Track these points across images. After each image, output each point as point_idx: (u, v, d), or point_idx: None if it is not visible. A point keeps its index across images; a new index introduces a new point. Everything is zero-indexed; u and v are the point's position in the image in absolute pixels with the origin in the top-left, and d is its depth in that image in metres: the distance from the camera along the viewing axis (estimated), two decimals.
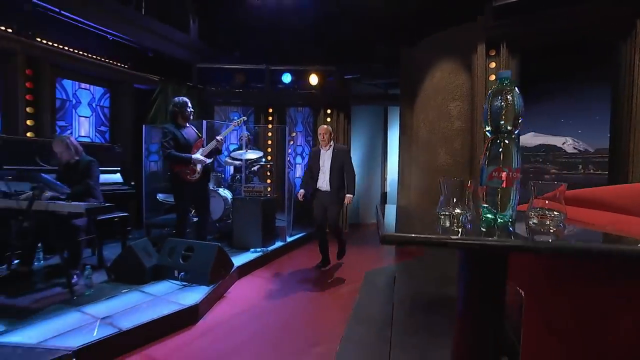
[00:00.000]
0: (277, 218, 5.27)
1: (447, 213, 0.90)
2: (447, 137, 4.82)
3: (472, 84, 4.50)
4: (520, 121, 0.91)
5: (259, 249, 4.43)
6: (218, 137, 3.81)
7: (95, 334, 2.18)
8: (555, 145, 4.62)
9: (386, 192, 7.95)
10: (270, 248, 4.62)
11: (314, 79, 6.69)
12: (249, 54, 7.29)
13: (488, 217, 0.90)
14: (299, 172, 7.17)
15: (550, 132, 4.65)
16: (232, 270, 3.57)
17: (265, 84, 6.94)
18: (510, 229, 0.88)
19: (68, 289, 2.82)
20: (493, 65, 4.36)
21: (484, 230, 0.87)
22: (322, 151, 4.19)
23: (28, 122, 4.48)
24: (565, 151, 4.43)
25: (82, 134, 5.34)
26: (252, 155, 5.38)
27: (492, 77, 4.36)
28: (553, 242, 0.77)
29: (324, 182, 4.10)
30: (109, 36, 5.48)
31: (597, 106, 4.08)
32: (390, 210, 1.27)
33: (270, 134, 6.97)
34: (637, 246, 0.73)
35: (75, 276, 3.05)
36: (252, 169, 5.60)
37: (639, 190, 1.25)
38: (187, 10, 6.98)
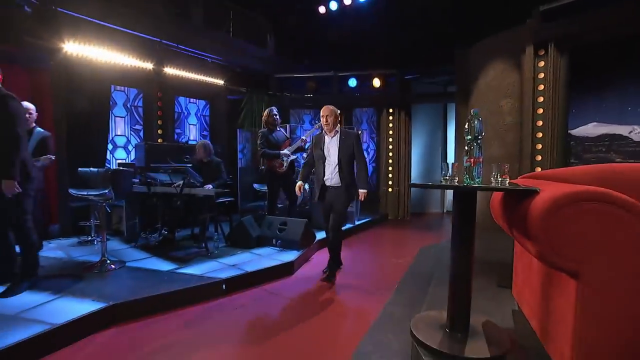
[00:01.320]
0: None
1: (447, 177, 1.72)
2: (499, 131, 5.33)
3: (521, 82, 4.97)
4: (480, 136, 1.70)
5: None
6: (302, 137, 4.83)
7: (225, 286, 3.27)
8: (622, 135, 4.73)
9: None
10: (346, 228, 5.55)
11: (376, 82, 7.48)
12: (317, 62, 8.31)
13: (465, 180, 1.71)
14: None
15: (615, 122, 4.84)
16: (314, 241, 4.56)
17: (333, 89, 7.89)
18: (471, 184, 1.68)
19: (205, 249, 4.02)
20: (542, 64, 4.80)
21: (461, 184, 1.69)
22: (326, 138, 3.54)
23: (159, 131, 5.94)
24: (632, 140, 4.50)
25: (191, 138, 6.76)
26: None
27: (541, 75, 4.80)
28: (477, 185, 1.57)
29: (331, 176, 3.47)
30: (208, 59, 6.82)
31: None
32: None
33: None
34: (505, 186, 1.50)
35: (204, 243, 4.26)
36: None
37: (582, 170, 1.90)
38: (265, 29, 8.18)
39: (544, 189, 1.41)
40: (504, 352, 1.58)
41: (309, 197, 5.94)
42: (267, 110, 4.91)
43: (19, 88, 5.13)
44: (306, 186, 6.11)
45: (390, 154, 7.57)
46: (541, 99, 4.80)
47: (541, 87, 4.80)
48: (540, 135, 4.85)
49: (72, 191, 3.81)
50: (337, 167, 3.43)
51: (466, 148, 1.76)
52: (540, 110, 4.83)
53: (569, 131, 4.88)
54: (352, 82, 7.69)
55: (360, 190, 3.50)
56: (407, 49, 7.51)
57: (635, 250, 1.16)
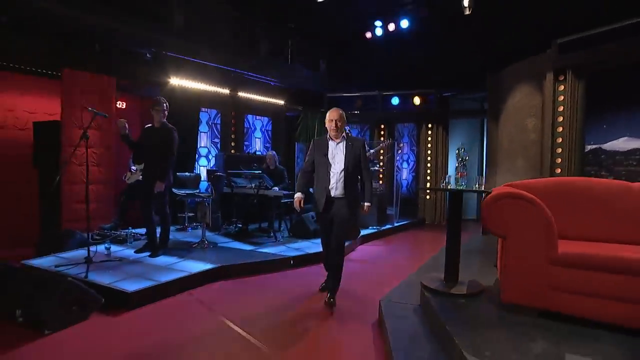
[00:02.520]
0: (388, 208, 7.14)
1: (446, 182, 2.70)
2: (524, 146, 6.04)
3: (542, 104, 5.68)
4: (465, 159, 2.69)
5: (374, 227, 6.38)
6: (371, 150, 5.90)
7: (292, 261, 4.38)
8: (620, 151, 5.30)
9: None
10: (382, 228, 6.52)
11: (417, 100, 8.40)
12: (364, 82, 9.37)
13: (458, 185, 2.69)
14: (405, 174, 8.91)
15: None
16: (359, 236, 5.59)
17: (377, 106, 8.90)
18: (459, 188, 2.64)
19: (273, 237, 5.20)
20: (562, 88, 5.49)
21: (454, 187, 2.66)
22: (330, 143, 3.22)
23: (232, 144, 7.31)
24: None
25: (257, 149, 8.09)
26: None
27: (561, 98, 5.49)
28: (455, 188, 2.53)
29: (335, 185, 3.13)
30: (271, 83, 8.14)
31: None
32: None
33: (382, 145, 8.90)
34: (472, 189, 2.43)
35: (273, 232, 5.45)
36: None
37: (543, 181, 2.75)
38: (317, 54, 9.41)
39: (494, 191, 2.35)
40: (476, 292, 2.52)
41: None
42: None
43: (135, 112, 6.76)
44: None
45: (429, 164, 8.40)
46: (560, 118, 5.49)
47: (561, 108, 5.49)
48: (559, 150, 5.53)
49: (175, 190, 5.18)
50: (343, 175, 3.12)
51: (457, 165, 2.73)
52: (560, 129, 5.51)
53: (600, 146, 5.44)
54: (395, 100, 8.66)
55: (366, 204, 3.25)
56: (444, 71, 8.35)
57: (530, 223, 2.09)
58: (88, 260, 3.44)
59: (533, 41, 5.94)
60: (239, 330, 2.62)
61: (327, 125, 3.22)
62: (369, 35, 9.02)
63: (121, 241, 4.67)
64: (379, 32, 8.86)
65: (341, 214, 3.10)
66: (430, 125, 8.48)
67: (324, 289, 3.44)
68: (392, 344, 2.18)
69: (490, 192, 2.35)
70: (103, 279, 3.12)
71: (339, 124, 3.15)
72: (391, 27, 8.67)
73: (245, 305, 3.15)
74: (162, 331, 2.60)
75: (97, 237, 4.77)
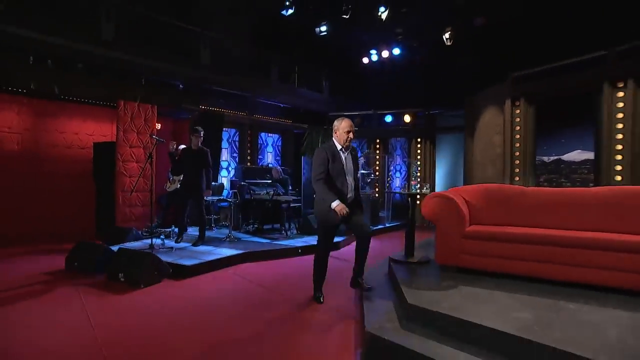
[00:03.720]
0: (380, 211, 8.37)
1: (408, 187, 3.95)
2: (492, 159, 7.26)
3: (504, 124, 6.91)
4: (417, 173, 3.95)
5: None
6: None
7: (300, 250, 5.61)
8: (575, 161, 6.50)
9: None
10: (375, 228, 7.74)
11: (407, 118, 9.65)
12: (363, 101, 10.68)
13: (411, 190, 3.94)
14: (398, 182, 10.15)
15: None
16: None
17: (373, 123, 10.19)
18: (413, 191, 3.89)
19: (284, 233, 6.45)
20: (518, 111, 6.73)
21: (409, 192, 3.91)
22: (341, 152, 3.36)
23: (248, 157, 8.62)
24: None
25: (269, 161, 9.40)
26: (364, 172, 8.62)
27: (518, 119, 6.72)
28: (407, 192, 3.77)
29: (350, 190, 3.41)
30: (280, 104, 9.49)
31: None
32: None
33: (378, 157, 10.17)
34: (416, 192, 3.68)
35: (284, 230, 6.70)
36: (367, 180, 8.83)
37: (472, 187, 3.97)
38: (321, 78, 10.76)
39: (434, 194, 3.58)
40: (423, 261, 3.74)
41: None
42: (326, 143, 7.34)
43: (168, 131, 8.11)
44: None
45: (418, 174, 9.61)
46: (518, 136, 6.73)
47: (517, 128, 6.73)
48: (517, 162, 6.75)
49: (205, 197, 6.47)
50: (354, 182, 3.45)
51: (410, 176, 3.98)
52: (517, 144, 6.74)
53: (560, 157, 6.62)
54: (388, 118, 9.94)
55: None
56: (431, 92, 9.63)
57: (450, 212, 3.32)
58: (151, 247, 4.73)
59: (498, 72, 7.20)
60: (264, 288, 3.86)
61: (341, 135, 3.33)
62: (366, 60, 10.36)
63: (167, 235, 5.96)
64: (374, 58, 10.20)
65: (357, 215, 3.38)
66: (419, 140, 9.73)
67: (362, 287, 3.50)
68: (363, 294, 3.40)
69: (427, 193, 3.60)
70: (167, 258, 4.39)
71: (352, 135, 3.36)
72: (385, 54, 10.00)
73: (267, 276, 4.39)
74: (209, 291, 3.84)
75: (145, 233, 6.08)
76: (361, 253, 3.49)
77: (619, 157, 5.39)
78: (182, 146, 6.06)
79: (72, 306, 3.30)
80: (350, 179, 3.41)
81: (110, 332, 2.76)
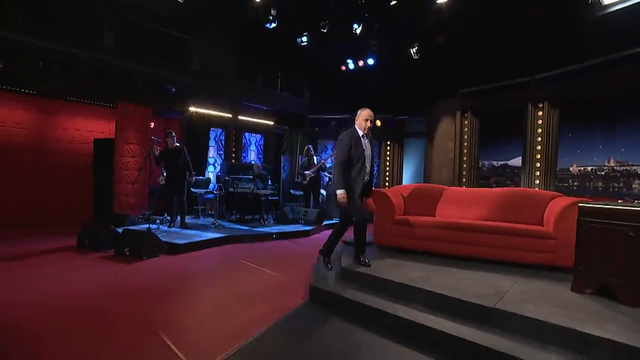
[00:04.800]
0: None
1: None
2: (446, 162, 8.40)
3: (455, 132, 8.05)
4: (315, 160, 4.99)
5: (338, 219, 8.64)
6: (322, 162, 8.19)
7: (275, 235, 6.62)
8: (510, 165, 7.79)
9: None
10: None
11: (378, 122, 10.72)
12: (339, 106, 11.70)
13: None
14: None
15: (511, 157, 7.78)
16: (323, 223, 7.87)
17: (348, 126, 11.21)
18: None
19: (262, 222, 7.44)
20: (466, 122, 7.87)
21: None
22: (362, 139, 3.72)
23: (233, 155, 9.56)
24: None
25: (252, 159, 10.34)
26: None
27: (466, 129, 7.86)
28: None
29: (367, 173, 3.76)
30: (264, 107, 10.42)
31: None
32: None
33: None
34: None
35: (263, 219, 7.69)
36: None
37: (408, 185, 5.02)
38: (302, 83, 11.74)
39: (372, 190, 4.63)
40: (367, 242, 4.80)
41: (322, 204, 9.21)
42: (306, 147, 8.36)
43: (161, 129, 8.96)
44: (323, 191, 9.44)
45: (387, 174, 10.73)
46: (465, 144, 7.87)
47: (465, 136, 7.87)
48: (465, 165, 7.90)
49: (192, 189, 7.40)
50: (370, 166, 3.80)
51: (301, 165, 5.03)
52: (465, 151, 7.88)
53: (507, 162, 7.80)
54: None
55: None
56: (399, 100, 10.72)
57: (384, 204, 4.37)
58: (149, 229, 5.66)
59: (452, 87, 8.32)
60: (243, 261, 4.86)
61: (361, 122, 3.71)
62: (344, 68, 11.38)
63: (161, 222, 6.88)
64: (351, 66, 11.22)
65: (361, 201, 3.77)
66: (388, 143, 10.83)
67: (363, 263, 3.68)
68: (316, 265, 4.43)
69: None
70: (163, 238, 5.33)
71: (370, 124, 3.72)
72: (361, 63, 11.04)
73: (245, 254, 5.39)
74: (200, 264, 4.82)
75: (141, 219, 6.98)
76: (359, 235, 3.77)
77: (538, 164, 6.58)
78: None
79: (87, 271, 4.24)
80: (368, 163, 3.76)
81: (119, 289, 3.72)
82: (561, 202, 3.79)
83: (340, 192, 3.57)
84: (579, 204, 3.03)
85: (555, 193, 4.32)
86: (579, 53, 5.99)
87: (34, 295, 3.38)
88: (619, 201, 3.21)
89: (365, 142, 3.74)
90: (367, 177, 3.78)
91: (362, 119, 3.72)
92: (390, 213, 4.40)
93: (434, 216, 4.58)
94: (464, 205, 4.54)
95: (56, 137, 7.55)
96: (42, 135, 7.38)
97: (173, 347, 2.50)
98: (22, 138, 7.16)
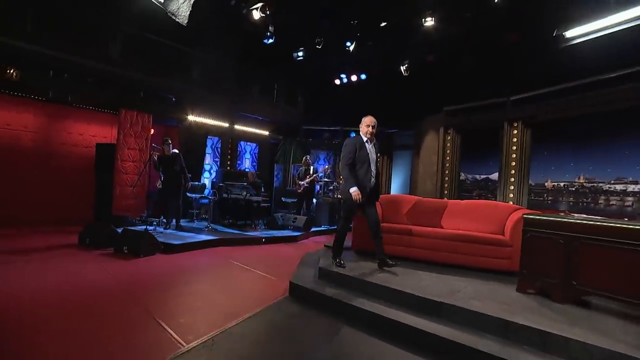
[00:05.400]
0: (338, 212, 9.85)
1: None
2: (430, 174, 8.88)
3: (438, 147, 8.54)
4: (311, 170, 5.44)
5: (326, 226, 9.08)
6: (315, 175, 8.64)
7: (264, 240, 7.03)
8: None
9: None
10: (332, 227, 9.21)
11: None
12: (332, 118, 12.20)
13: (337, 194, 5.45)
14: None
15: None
16: (311, 230, 8.28)
17: (340, 138, 11.71)
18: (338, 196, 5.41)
19: (253, 227, 7.85)
20: (449, 137, 8.37)
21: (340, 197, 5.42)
22: (366, 144, 3.99)
23: (228, 162, 10.00)
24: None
25: (246, 167, 10.78)
26: (327, 180, 10.13)
27: (448, 144, 8.35)
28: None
29: (372, 176, 3.99)
30: (260, 117, 10.89)
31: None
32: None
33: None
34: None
35: (254, 225, 8.10)
36: (330, 187, 10.32)
37: (391, 196, 5.46)
38: (297, 94, 12.24)
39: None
40: (346, 247, 5.22)
41: (312, 212, 9.62)
42: (304, 157, 8.83)
43: (160, 135, 9.39)
44: (314, 200, 9.87)
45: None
46: (448, 158, 8.35)
47: (448, 151, 8.36)
48: (447, 178, 8.38)
49: (188, 194, 7.81)
50: (376, 171, 3.98)
51: (299, 174, 5.46)
52: (447, 164, 8.37)
53: (488, 176, 8.29)
54: (353, 134, 11.47)
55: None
56: (389, 113, 11.21)
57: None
58: (146, 230, 6.06)
59: (437, 104, 8.84)
60: (233, 262, 5.27)
61: (363, 128, 4.03)
62: (337, 81, 11.89)
63: (158, 223, 7.28)
64: (345, 80, 11.74)
65: (372, 201, 4.05)
66: (378, 155, 11.28)
67: (382, 265, 3.99)
68: (298, 266, 4.85)
69: None
70: (159, 238, 5.73)
71: (374, 129, 3.99)
72: (354, 77, 11.56)
73: (235, 255, 5.79)
74: (192, 262, 5.22)
75: (139, 221, 7.38)
76: (375, 239, 4.02)
77: (512, 179, 7.06)
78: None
79: (89, 265, 4.64)
80: (373, 167, 3.99)
81: (119, 281, 4.12)
82: (518, 214, 4.25)
83: (353, 190, 3.82)
84: (523, 215, 3.49)
85: (517, 206, 4.80)
86: (550, 78, 6.52)
87: (42, 284, 3.78)
88: (561, 214, 3.66)
89: (370, 147, 4.01)
90: (373, 180, 4.00)
91: (365, 125, 4.04)
92: None
93: (408, 225, 5.02)
94: (436, 214, 4.99)
95: (61, 140, 7.97)
96: (47, 139, 7.79)
97: (166, 327, 2.91)
98: (29, 141, 7.58)
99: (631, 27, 4.79)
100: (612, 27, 4.90)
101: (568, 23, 5.26)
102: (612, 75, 5.59)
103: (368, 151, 3.95)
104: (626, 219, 5.16)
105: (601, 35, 5.27)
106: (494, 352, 2.47)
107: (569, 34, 5.27)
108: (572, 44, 5.44)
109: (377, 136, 4.26)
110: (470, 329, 2.78)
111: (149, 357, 2.49)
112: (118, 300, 3.52)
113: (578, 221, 3.11)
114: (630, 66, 5.42)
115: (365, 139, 4.02)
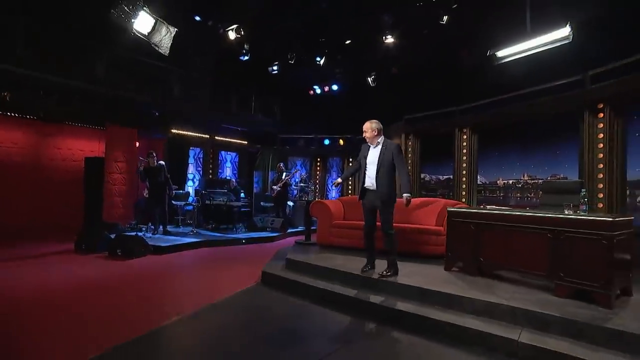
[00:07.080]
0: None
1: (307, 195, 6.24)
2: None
3: (405, 150, 9.46)
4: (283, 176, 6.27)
5: (302, 227, 9.85)
6: (287, 178, 9.43)
7: (244, 241, 7.77)
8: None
9: None
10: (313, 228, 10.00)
11: (341, 141, 12.10)
12: (307, 126, 13.03)
13: (310, 198, 6.25)
14: (333, 193, 12.53)
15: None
16: (288, 230, 9.05)
17: (315, 145, 12.55)
18: (311, 199, 6.20)
19: (234, 230, 8.58)
20: (410, 143, 9.29)
21: (307, 199, 6.21)
22: (371, 148, 4.14)
23: (210, 171, 10.68)
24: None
25: (227, 175, 11.49)
26: (303, 184, 10.93)
27: (410, 149, 9.27)
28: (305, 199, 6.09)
29: (369, 180, 4.04)
30: (239, 128, 11.63)
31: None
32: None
33: (318, 173, 12.51)
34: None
35: (235, 228, 8.81)
36: (304, 191, 11.11)
37: (345, 198, 6.30)
38: (274, 104, 13.02)
39: (316, 200, 5.87)
40: (312, 243, 6.03)
41: (292, 214, 10.38)
42: (278, 164, 9.60)
43: (145, 148, 10.03)
44: (290, 203, 10.63)
45: (350, 187, 12.06)
46: (410, 161, 9.28)
47: (409, 154, 9.28)
48: (412, 179, 9.28)
49: (173, 202, 8.50)
50: (375, 173, 3.95)
51: (275, 178, 6.29)
52: (410, 167, 9.28)
53: (449, 177, 9.21)
54: (326, 141, 12.36)
55: (404, 195, 3.95)
56: (360, 121, 12.11)
57: (324, 212, 5.63)
58: (136, 235, 6.73)
59: (400, 112, 9.77)
60: (216, 259, 6.00)
61: (364, 134, 4.15)
62: (311, 92, 12.74)
63: (146, 230, 7.92)
64: (318, 91, 12.60)
65: (377, 205, 4.02)
66: (350, 159, 12.18)
67: (366, 272, 4.05)
68: (276, 253, 5.62)
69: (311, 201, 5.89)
70: (149, 242, 6.40)
71: (365, 134, 4.10)
72: (326, 88, 12.43)
73: (219, 254, 6.52)
74: (180, 260, 5.92)
75: (128, 228, 8.01)
76: (385, 246, 4.05)
77: (464, 179, 8.02)
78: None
79: (88, 266, 5.30)
80: (371, 168, 4.02)
81: (116, 276, 4.81)
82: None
83: (337, 180, 4.56)
84: (447, 208, 4.37)
85: (453, 201, 5.69)
86: (489, 90, 7.51)
87: (48, 282, 4.44)
88: (480, 206, 4.55)
89: (372, 149, 4.13)
90: (371, 181, 4.03)
91: (363, 131, 4.20)
92: (329, 218, 5.66)
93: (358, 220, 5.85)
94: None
95: (50, 155, 8.54)
96: (37, 154, 8.36)
97: (161, 305, 3.64)
98: (19, 157, 8.12)
99: (545, 50, 5.75)
100: (531, 50, 5.86)
101: (497, 45, 6.20)
102: (536, 89, 6.59)
103: (367, 153, 4.15)
104: (528, 208, 6.11)
105: (524, 56, 6.22)
106: (412, 310, 3.31)
107: (499, 54, 6.21)
108: (503, 63, 6.38)
109: (350, 142, 5.02)
110: (398, 297, 3.62)
111: (147, 326, 3.22)
112: (117, 290, 4.22)
113: (483, 211, 4.01)
114: (549, 81, 6.43)
115: (368, 142, 4.21)
